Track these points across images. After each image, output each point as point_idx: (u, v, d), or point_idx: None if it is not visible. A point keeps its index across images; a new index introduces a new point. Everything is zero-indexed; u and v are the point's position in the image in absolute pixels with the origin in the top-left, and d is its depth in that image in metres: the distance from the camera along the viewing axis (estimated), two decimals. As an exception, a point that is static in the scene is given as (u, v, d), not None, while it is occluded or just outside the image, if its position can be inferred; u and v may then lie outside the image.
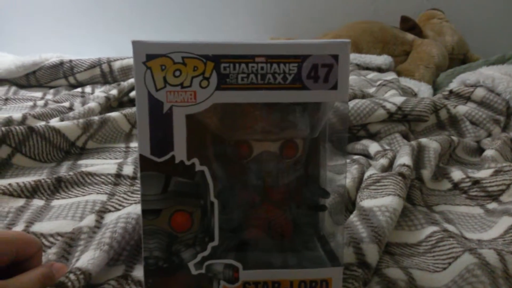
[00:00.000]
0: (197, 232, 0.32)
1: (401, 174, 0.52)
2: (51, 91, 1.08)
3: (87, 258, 0.35)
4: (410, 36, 1.39)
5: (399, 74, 1.24)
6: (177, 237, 0.31)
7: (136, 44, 0.28)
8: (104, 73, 1.11)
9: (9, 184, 0.52)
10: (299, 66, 0.30)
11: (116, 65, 1.12)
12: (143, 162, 0.30)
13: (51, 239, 0.42)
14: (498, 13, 1.65)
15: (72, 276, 0.33)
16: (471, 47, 1.45)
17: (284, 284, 0.32)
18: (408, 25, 1.43)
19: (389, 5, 1.60)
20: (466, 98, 0.84)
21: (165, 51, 0.29)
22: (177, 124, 0.30)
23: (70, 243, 0.40)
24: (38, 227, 0.44)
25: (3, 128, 0.62)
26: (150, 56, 0.29)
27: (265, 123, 0.34)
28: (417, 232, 0.46)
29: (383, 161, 0.60)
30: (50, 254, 0.38)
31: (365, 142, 0.71)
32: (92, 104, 0.84)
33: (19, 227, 0.44)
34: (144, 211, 0.31)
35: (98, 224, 0.42)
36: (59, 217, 0.46)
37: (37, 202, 0.50)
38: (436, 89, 1.16)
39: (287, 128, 0.34)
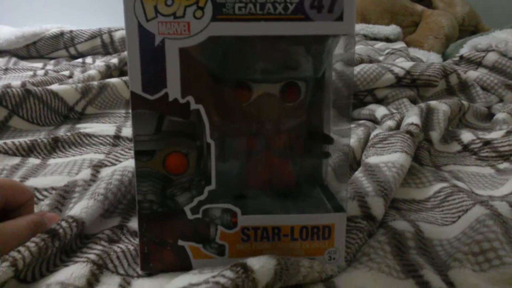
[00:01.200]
0: (193, 175, 0.30)
1: (409, 132, 0.50)
2: (52, 62, 1.07)
3: (80, 207, 0.34)
4: (419, 7, 1.35)
5: (407, 45, 1.21)
6: (172, 180, 0.30)
7: (125, -31, 0.26)
8: (105, 44, 1.09)
9: (4, 143, 0.50)
10: (301, -6, 0.27)
11: (117, 35, 1.09)
12: (135, 100, 0.28)
13: (45, 193, 0.41)
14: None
15: (64, 224, 0.31)
16: (482, 19, 1.41)
17: (284, 230, 0.30)
18: (418, -5, 1.38)
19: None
20: (477, 63, 0.81)
21: (156, -23, 0.27)
22: (170, 59, 0.28)
23: (64, 195, 0.38)
24: (32, 182, 0.43)
25: (-1, 90, 0.60)
26: (139, -17, 0.27)
27: (265, 62, 0.32)
28: (425, 189, 0.44)
29: (390, 123, 0.58)
30: (43, 206, 0.37)
31: (372, 106, 0.69)
32: (92, 72, 0.82)
33: (12, 182, 0.43)
34: (137, 152, 0.29)
35: (94, 178, 0.41)
36: (55, 173, 0.45)
37: (33, 161, 0.49)
38: (445, 59, 1.13)
39: (289, 68, 0.32)
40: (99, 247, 0.32)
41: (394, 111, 0.66)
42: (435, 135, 0.57)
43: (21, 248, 0.28)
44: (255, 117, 0.33)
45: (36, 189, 0.41)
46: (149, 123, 0.29)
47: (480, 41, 0.82)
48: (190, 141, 0.30)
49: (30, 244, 0.29)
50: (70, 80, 0.77)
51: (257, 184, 0.35)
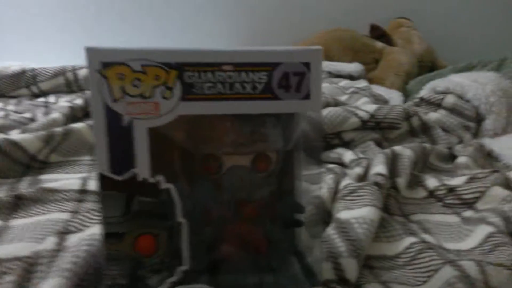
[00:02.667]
0: (164, 256, 0.29)
1: (376, 184, 0.51)
2: (13, 101, 1.03)
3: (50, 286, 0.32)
4: (379, 44, 1.40)
5: (370, 81, 1.25)
6: (143, 262, 0.29)
7: (90, 51, 0.26)
8: (69, 82, 1.07)
9: (-39, 204, 0.47)
10: (269, 75, 0.28)
11: (82, 73, 1.07)
12: (102, 181, 0.27)
13: (8, 264, 0.39)
14: (465, 21, 1.70)
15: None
16: (438, 55, 1.48)
17: (259, 309, 0.30)
18: (378, 33, 1.44)
19: (359, 13, 1.62)
20: (436, 105, 0.85)
21: (122, 58, 0.26)
22: (138, 139, 0.27)
23: (29, 269, 0.36)
24: (-5, 251, 0.40)
25: (-45, 143, 0.57)
26: (106, 64, 0.26)
27: (235, 135, 0.32)
28: (395, 243, 0.45)
29: (358, 170, 0.59)
30: (7, 283, 0.34)
31: (340, 150, 0.70)
32: (55, 115, 0.80)
33: (-29, 253, 0.40)
34: (105, 235, 0.28)
35: (59, 247, 0.39)
36: (18, 239, 0.43)
37: (-7, 223, 0.47)
38: (406, 95, 1.17)
39: (259, 141, 0.32)
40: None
41: (361, 155, 0.67)
42: (401, 181, 0.58)
43: None
44: (226, 188, 0.33)
45: (2, 260, 0.39)
46: (117, 204, 0.28)
47: (438, 83, 0.86)
48: (161, 221, 0.29)
49: None
50: (33, 125, 0.74)
51: (230, 254, 0.34)
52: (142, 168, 0.27)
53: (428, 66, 1.43)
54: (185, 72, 0.27)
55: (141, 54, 0.26)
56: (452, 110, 0.82)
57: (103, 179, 0.27)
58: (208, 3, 1.60)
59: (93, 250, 0.37)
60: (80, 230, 0.41)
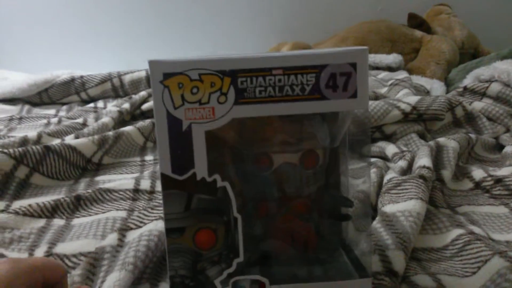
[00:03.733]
0: (222, 249, 0.31)
1: (422, 177, 0.51)
2: (64, 107, 1.09)
3: (113, 280, 0.35)
4: (418, 33, 1.38)
5: (409, 72, 1.23)
6: (202, 255, 0.31)
7: (153, 64, 0.28)
8: (115, 87, 1.12)
9: (29, 205, 0.52)
10: (317, 76, 0.29)
11: (127, 78, 1.12)
12: (165, 181, 0.30)
13: (74, 259, 0.42)
14: (506, 4, 1.63)
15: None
16: (481, 41, 1.43)
17: (312, 298, 0.31)
18: (416, 22, 1.41)
19: (396, 3, 1.59)
20: (481, 94, 0.83)
21: (181, 69, 0.28)
22: (196, 141, 0.29)
23: (93, 263, 0.39)
24: (60, 248, 0.44)
25: (20, 149, 0.62)
26: (167, 75, 0.29)
27: (284, 135, 0.33)
28: (442, 235, 0.45)
29: (402, 164, 0.59)
30: (74, 276, 0.38)
31: (381, 144, 0.70)
32: (105, 119, 0.85)
33: (41, 249, 0.44)
34: (167, 230, 0.30)
35: (121, 243, 0.42)
36: (81, 236, 0.46)
37: (58, 222, 0.51)
38: (448, 85, 1.15)
39: (307, 139, 0.34)
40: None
41: (404, 148, 0.67)
42: (446, 174, 0.58)
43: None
44: (277, 184, 0.35)
45: (66, 256, 0.43)
46: (178, 201, 0.30)
47: (482, 72, 0.84)
48: (218, 217, 0.31)
49: None
50: (85, 130, 0.79)
51: (280, 248, 0.36)
52: (201, 168, 0.30)
53: (470, 53, 1.38)
54: (238, 78, 0.29)
55: (198, 64, 0.28)
56: (498, 98, 0.80)
57: (165, 179, 0.30)
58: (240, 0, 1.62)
59: (152, 245, 0.40)
60: (138, 226, 0.44)
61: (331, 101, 0.30)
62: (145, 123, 0.83)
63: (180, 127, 0.29)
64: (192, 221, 0.31)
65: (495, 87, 0.81)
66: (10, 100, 1.12)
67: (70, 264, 0.42)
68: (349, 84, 0.29)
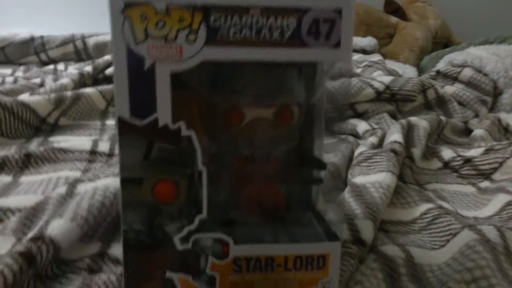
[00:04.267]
0: (184, 204, 0.28)
1: (393, 151, 0.50)
2: (21, 68, 1.02)
3: (58, 227, 0.31)
4: (394, 19, 1.38)
5: (383, 56, 1.23)
6: (161, 209, 0.28)
7: (114, -12, 0.25)
8: (78, 50, 1.06)
9: (-28, 160, 0.47)
10: (298, 21, 0.27)
11: (91, 41, 1.06)
12: (122, 126, 0.26)
13: (18, 214, 0.38)
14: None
15: (39, 245, 0.29)
16: (453, 32, 1.45)
17: (278, 260, 0.29)
18: (392, 7, 1.41)
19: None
20: (453, 78, 0.83)
21: (147, -3, 0.25)
22: (160, 83, 0.26)
23: (34, 212, 0.36)
24: (3, 202, 0.40)
25: (-34, 101, 0.57)
26: (128, 4, 0.25)
27: (259, 87, 0.31)
28: (410, 209, 0.44)
29: (373, 140, 0.58)
30: (10, 223, 0.34)
31: (353, 121, 0.69)
32: (64, 80, 0.79)
33: (-18, 204, 0.40)
34: (123, 180, 0.27)
35: (69, 193, 0.38)
36: (28, 192, 0.42)
37: (4, 178, 0.46)
38: (420, 71, 1.15)
39: (282, 93, 0.31)
40: (80, 278, 0.30)
41: (375, 126, 0.66)
42: (416, 152, 0.58)
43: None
44: (247, 141, 0.32)
45: (9, 208, 0.39)
46: (137, 149, 0.27)
47: (455, 57, 0.85)
48: (181, 168, 0.28)
49: (4, 269, 0.26)
50: (41, 90, 0.73)
51: (247, 208, 0.34)
52: (164, 114, 0.27)
53: (442, 42, 1.40)
54: (211, 15, 0.26)
55: (166, -8, 0.25)
56: (469, 83, 0.80)
57: (122, 123, 0.26)
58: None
59: (107, 202, 0.37)
60: (91, 180, 0.41)
61: (312, 49, 0.27)
62: (108, 86, 0.79)
63: (142, 65, 0.26)
64: (152, 171, 0.28)
65: (467, 72, 0.81)
66: (-39, 57, 1.04)
67: (12, 217, 0.38)
68: (332, 32, 0.27)
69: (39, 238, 0.30)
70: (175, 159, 0.28)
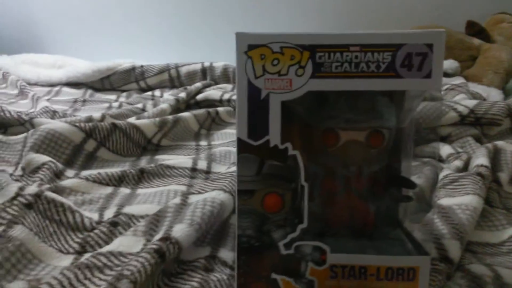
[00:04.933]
0: (288, 214, 0.33)
1: (479, 174, 0.51)
2: (124, 94, 1.16)
3: (180, 230, 0.37)
4: (476, 41, 1.34)
5: (465, 79, 1.20)
6: (269, 218, 0.33)
7: (240, 36, 0.31)
8: (172, 78, 1.17)
9: (98, 173, 0.56)
10: (393, 55, 0.30)
11: (183, 70, 1.17)
12: (241, 145, 0.32)
13: (141, 220, 0.46)
14: None
15: (168, 245, 0.35)
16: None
17: (370, 270, 0.32)
18: (475, 29, 1.38)
19: (455, 9, 1.56)
20: (543, 102, 0.80)
21: (265, 41, 0.31)
22: (273, 110, 0.31)
23: (157, 218, 0.42)
24: (128, 209, 0.48)
25: (90, 124, 0.67)
26: (251, 46, 0.31)
27: (352, 112, 0.35)
28: (498, 232, 0.45)
29: (458, 163, 0.59)
30: (139, 226, 0.41)
31: (436, 144, 0.70)
32: (164, 105, 0.89)
33: (111, 210, 0.48)
34: (239, 191, 0.33)
35: (184, 203, 0.45)
36: (146, 202, 0.50)
37: (124, 190, 0.54)
38: (506, 95, 1.11)
39: (374, 118, 0.35)
40: (198, 276, 0.36)
41: (460, 150, 0.67)
42: (503, 176, 0.57)
43: (138, 265, 0.32)
44: (341, 161, 0.36)
45: (134, 216, 0.46)
46: (251, 165, 0.33)
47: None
48: (286, 183, 0.33)
49: (144, 262, 0.33)
50: (145, 114, 0.83)
51: (338, 223, 0.37)
52: (274, 136, 0.32)
53: (531, 65, 1.33)
54: (317, 53, 0.31)
55: (281, 37, 0.30)
56: (560, 108, 0.77)
57: (241, 143, 0.32)
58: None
59: (215, 212, 0.43)
60: (200, 193, 0.47)
61: (405, 79, 0.31)
62: (200, 111, 0.87)
63: (259, 95, 0.31)
64: (262, 184, 0.33)
65: (559, 96, 0.78)
66: (74, 84, 1.20)
67: (137, 223, 0.45)
68: (424, 64, 0.30)
69: (167, 238, 0.36)
70: (282, 174, 0.33)
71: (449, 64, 1.17)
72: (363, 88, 0.31)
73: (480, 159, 0.56)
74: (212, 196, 0.44)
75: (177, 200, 0.45)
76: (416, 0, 1.59)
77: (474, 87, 1.11)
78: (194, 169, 0.61)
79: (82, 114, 0.93)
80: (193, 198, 0.45)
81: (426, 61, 0.30)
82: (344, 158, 0.36)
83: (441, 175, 0.55)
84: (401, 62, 0.30)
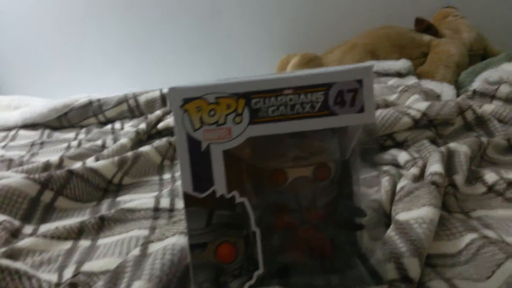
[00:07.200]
0: (243, 262, 0.33)
1: (434, 183, 0.52)
2: (83, 130, 1.13)
3: (138, 286, 0.37)
4: (426, 37, 1.39)
5: (419, 76, 1.24)
6: (224, 268, 0.33)
7: (173, 90, 0.31)
8: (131, 108, 1.15)
9: (56, 228, 0.54)
10: (325, 94, 0.31)
11: (142, 99, 1.16)
12: (187, 199, 0.32)
13: (102, 276, 0.44)
14: (514, 4, 1.63)
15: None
16: (490, 41, 1.43)
17: (331, 305, 0.33)
18: (423, 26, 1.42)
19: (403, 8, 1.61)
20: (491, 96, 0.83)
21: (199, 93, 0.31)
22: (215, 160, 0.31)
23: (116, 275, 0.41)
24: (88, 267, 0.46)
25: (44, 174, 0.65)
26: (186, 100, 0.31)
27: (297, 150, 0.35)
28: (456, 241, 0.46)
29: (414, 171, 0.60)
30: (98, 287, 0.40)
31: (394, 151, 0.71)
32: (123, 140, 0.88)
33: (70, 269, 0.47)
34: (191, 246, 0.32)
35: (143, 253, 0.44)
36: (107, 255, 0.49)
37: (84, 243, 0.53)
38: (458, 88, 1.15)
39: (318, 153, 0.35)
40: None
41: (416, 155, 0.68)
42: (459, 178, 0.59)
43: None
44: (292, 196, 0.36)
45: (93, 273, 0.45)
46: (200, 218, 0.32)
47: (490, 74, 0.85)
48: (238, 231, 0.33)
49: None
50: (105, 152, 0.82)
51: (298, 259, 0.37)
52: (220, 186, 0.32)
53: (479, 54, 1.39)
54: (252, 99, 0.31)
55: (215, 88, 0.30)
56: (507, 100, 0.80)
57: (187, 197, 0.32)
58: (249, 15, 1.65)
59: (176, 260, 0.42)
60: (160, 240, 0.46)
61: (339, 116, 0.31)
62: (161, 142, 0.86)
63: (200, 147, 0.31)
64: (214, 236, 0.32)
65: (504, 89, 0.81)
66: (31, 126, 1.16)
67: (97, 280, 0.44)
68: (356, 99, 0.31)
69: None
70: (232, 223, 0.32)
71: (402, 64, 1.20)
72: (301, 129, 0.31)
73: (434, 166, 0.57)
74: (172, 243, 0.43)
75: (136, 251, 0.44)
76: (364, 2, 1.63)
77: (428, 83, 1.15)
78: (156, 209, 0.60)
79: (40, 158, 0.90)
80: (152, 247, 0.44)
81: (357, 96, 0.31)
82: (295, 194, 0.36)
83: (398, 187, 0.56)
84: (333, 100, 0.31)
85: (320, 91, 0.31)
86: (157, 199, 0.62)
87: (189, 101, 0.31)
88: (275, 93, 0.31)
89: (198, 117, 0.31)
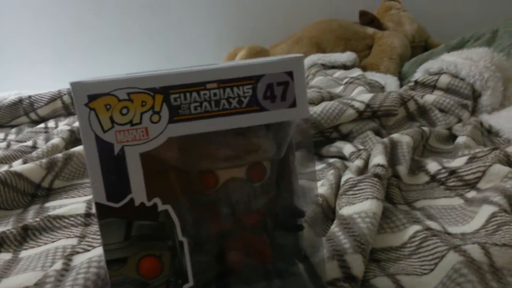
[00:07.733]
0: (169, 276, 0.30)
1: (376, 175, 0.51)
2: (13, 130, 1.04)
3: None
4: (370, 30, 1.40)
5: (364, 68, 1.25)
6: (148, 284, 0.29)
7: (75, 86, 0.26)
8: (66, 105, 1.08)
9: (-29, 242, 0.48)
10: (253, 88, 0.28)
11: (78, 95, 1.08)
12: (100, 210, 0.28)
13: (18, 296, 0.40)
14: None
15: None
16: (430, 33, 1.47)
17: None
18: (367, 19, 1.44)
19: (347, 1, 1.62)
20: (432, 86, 0.84)
21: (108, 89, 0.27)
22: (131, 165, 0.28)
23: None
24: (5, 284, 0.41)
25: (-40, 181, 0.58)
26: (92, 97, 0.27)
27: (228, 149, 0.32)
28: (400, 233, 0.45)
29: (358, 163, 0.59)
30: None
31: (339, 144, 0.71)
32: (55, 140, 0.81)
33: (-16, 288, 0.41)
34: (108, 262, 0.28)
35: (66, 267, 0.39)
36: (28, 269, 0.43)
37: (4, 256, 0.47)
38: (402, 79, 1.17)
39: (252, 152, 0.33)
40: None
41: (360, 147, 0.68)
42: (402, 169, 0.59)
43: None
44: (226, 200, 0.33)
45: (9, 293, 0.40)
46: (117, 230, 0.29)
47: (431, 65, 0.86)
48: (162, 242, 0.29)
49: None
50: (34, 154, 0.75)
51: (236, 263, 0.35)
52: (138, 193, 0.28)
53: (421, 46, 1.42)
54: (171, 95, 0.27)
55: (125, 83, 0.27)
56: (448, 90, 0.82)
57: (100, 207, 0.28)
58: (195, 7, 1.60)
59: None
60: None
61: (270, 112, 0.29)
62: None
63: (112, 151, 0.27)
64: (134, 249, 0.29)
65: (444, 79, 0.83)
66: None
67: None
68: (287, 93, 0.28)
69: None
70: (155, 234, 0.29)
71: (347, 56, 1.21)
72: (228, 127, 0.28)
73: (377, 158, 0.57)
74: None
75: (58, 265, 0.39)
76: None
77: (373, 75, 1.16)
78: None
79: (-38, 162, 0.82)
80: (77, 260, 0.40)
81: (288, 89, 0.28)
82: (228, 197, 0.33)
83: (342, 180, 0.55)
84: (263, 94, 0.28)
85: (247, 85, 0.28)
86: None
87: (95, 98, 0.27)
88: (197, 88, 0.28)
89: (107, 117, 0.27)
